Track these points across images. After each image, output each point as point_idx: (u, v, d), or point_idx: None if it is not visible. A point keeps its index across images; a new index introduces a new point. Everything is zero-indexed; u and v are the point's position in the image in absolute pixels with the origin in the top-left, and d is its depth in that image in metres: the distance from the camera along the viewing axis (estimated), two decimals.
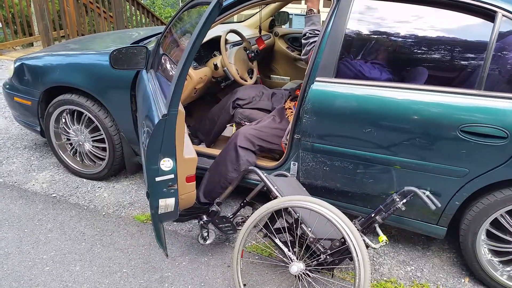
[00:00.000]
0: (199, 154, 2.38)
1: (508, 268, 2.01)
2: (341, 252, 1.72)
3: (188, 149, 1.94)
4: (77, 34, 6.36)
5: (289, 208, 1.77)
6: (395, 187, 2.02)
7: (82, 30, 6.46)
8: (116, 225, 2.46)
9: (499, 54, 1.78)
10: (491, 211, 1.89)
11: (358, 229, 1.74)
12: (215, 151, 2.59)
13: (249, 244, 2.33)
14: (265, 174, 1.98)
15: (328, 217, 1.62)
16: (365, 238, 1.73)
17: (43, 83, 2.76)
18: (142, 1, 8.62)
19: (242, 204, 2.19)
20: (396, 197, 1.77)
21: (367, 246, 1.67)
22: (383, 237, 1.70)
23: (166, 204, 1.82)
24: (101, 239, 2.32)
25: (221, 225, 2.18)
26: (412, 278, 2.14)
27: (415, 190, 1.75)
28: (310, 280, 1.76)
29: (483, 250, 2.01)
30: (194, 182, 1.97)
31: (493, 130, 1.73)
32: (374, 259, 2.27)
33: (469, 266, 2.10)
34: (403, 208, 1.75)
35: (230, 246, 2.32)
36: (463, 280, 2.13)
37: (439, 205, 1.73)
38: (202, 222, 2.17)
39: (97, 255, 2.19)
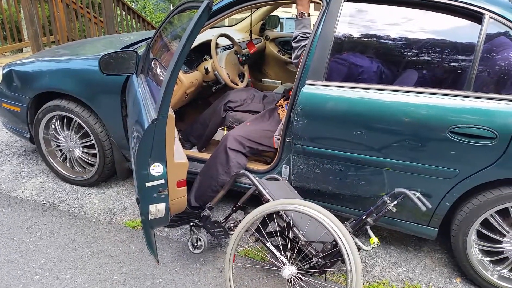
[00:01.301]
0: (190, 158, 2.37)
1: (499, 268, 2.02)
2: (333, 255, 1.72)
3: (178, 154, 1.93)
4: (67, 39, 6.32)
5: (281, 211, 1.76)
6: (386, 189, 2.03)
7: (73, 36, 6.42)
8: (106, 231, 2.44)
9: (487, 55, 1.79)
10: (481, 211, 1.91)
11: (349, 232, 1.74)
12: (206, 155, 2.58)
13: (241, 248, 2.32)
14: (256, 178, 1.98)
15: (320, 220, 1.61)
16: (357, 240, 1.73)
17: (33, 89, 2.73)
18: (133, 6, 8.61)
19: (233, 208, 2.18)
20: (387, 199, 1.77)
21: (359, 249, 1.67)
22: (374, 239, 1.70)
23: (157, 209, 1.80)
24: (92, 246, 2.30)
25: (212, 230, 2.17)
26: (404, 279, 2.15)
27: (405, 191, 1.75)
28: (302, 283, 1.76)
29: (474, 250, 2.02)
30: (185, 187, 1.95)
31: (482, 131, 1.75)
32: (366, 261, 2.27)
33: (461, 266, 2.11)
34: (394, 210, 1.76)
35: (222, 251, 2.30)
36: (454, 281, 2.14)
37: (430, 206, 1.74)
38: (193, 228, 2.15)
39: (88, 263, 2.17)
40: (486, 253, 2.04)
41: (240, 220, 2.29)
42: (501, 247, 1.95)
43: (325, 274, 1.96)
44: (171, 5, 17.38)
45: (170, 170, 1.79)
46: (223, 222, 2.24)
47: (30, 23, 5.64)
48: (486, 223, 1.96)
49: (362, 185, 2.08)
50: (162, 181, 1.75)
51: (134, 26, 7.76)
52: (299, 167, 2.18)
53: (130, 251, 2.27)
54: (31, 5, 5.52)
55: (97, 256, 2.22)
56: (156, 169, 1.73)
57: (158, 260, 1.91)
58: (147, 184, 1.72)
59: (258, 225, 1.88)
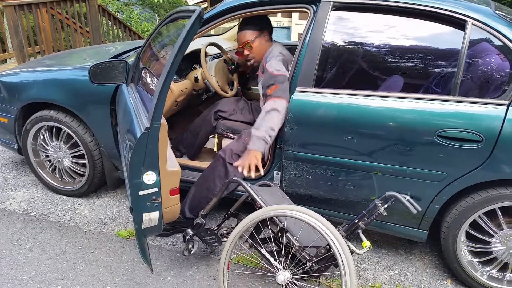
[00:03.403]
0: (182, 166, 2.37)
1: (488, 268, 2.06)
2: (327, 259, 1.74)
3: (171, 162, 1.93)
4: (53, 50, 6.27)
5: (274, 217, 1.78)
6: (377, 193, 2.06)
7: (58, 46, 6.37)
8: (98, 242, 2.42)
9: (471, 61, 1.85)
10: (470, 213, 1.95)
11: (342, 236, 1.76)
12: (198, 163, 2.58)
13: (235, 255, 2.33)
14: (249, 185, 1.99)
15: (313, 224, 1.63)
16: (350, 244, 1.75)
17: (20, 99, 2.71)
18: (118, 16, 8.59)
19: (226, 215, 2.19)
20: (378, 202, 1.80)
21: (352, 252, 1.69)
22: (366, 243, 1.73)
23: (150, 218, 1.80)
24: (83, 257, 2.28)
25: (206, 238, 2.17)
26: (396, 282, 2.17)
27: (396, 195, 1.78)
28: None
29: (464, 252, 2.06)
30: (178, 195, 1.96)
31: (469, 134, 1.80)
32: (359, 264, 2.30)
33: (451, 268, 2.14)
34: (385, 213, 1.78)
35: (216, 258, 2.30)
36: (445, 282, 2.18)
37: (420, 209, 1.77)
38: (188, 237, 2.15)
39: (80, 273, 2.15)
40: (475, 254, 2.08)
41: (232, 227, 2.30)
42: (489, 248, 2.00)
43: (319, 279, 1.97)
44: (157, 15, 17.39)
45: (163, 178, 1.79)
46: (216, 229, 2.24)
47: (14, 33, 5.58)
48: (474, 225, 2.00)
49: (353, 189, 2.11)
50: (155, 189, 1.75)
51: (121, 35, 7.74)
52: (291, 173, 2.21)
53: (122, 261, 2.25)
54: (15, 15, 5.47)
55: (89, 266, 2.20)
56: (149, 177, 1.73)
57: (152, 269, 1.90)
58: (140, 193, 1.72)
59: (252, 231, 1.90)
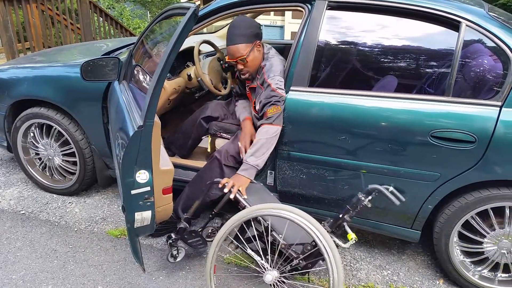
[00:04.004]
0: (175, 165, 2.35)
1: (480, 268, 2.07)
2: (314, 255, 1.73)
3: (164, 161, 1.91)
4: (43, 46, 6.19)
5: (258, 217, 1.76)
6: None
7: (49, 42, 6.29)
8: (89, 241, 2.39)
9: (465, 61, 1.85)
10: (463, 213, 1.96)
11: (327, 231, 1.76)
12: (191, 162, 2.56)
13: (226, 255, 2.31)
14: None
15: (298, 222, 1.63)
16: (335, 238, 1.76)
17: (10, 96, 2.67)
18: (109, 12, 8.51)
19: (211, 216, 2.15)
20: (361, 196, 1.80)
21: (337, 246, 1.69)
22: (352, 235, 1.73)
23: (143, 217, 1.78)
24: (74, 256, 2.25)
25: (190, 241, 2.13)
26: (389, 282, 2.18)
27: (378, 187, 1.78)
28: (286, 286, 1.76)
29: (456, 252, 2.07)
30: (171, 194, 1.94)
31: (462, 135, 1.80)
32: (351, 264, 2.30)
33: (443, 268, 2.15)
34: (369, 205, 1.78)
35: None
36: (438, 282, 2.19)
37: (403, 199, 1.77)
38: (171, 241, 2.10)
39: (70, 273, 2.12)
40: (468, 254, 2.10)
41: (218, 227, 2.27)
42: (481, 248, 2.01)
43: (308, 275, 1.96)
44: (148, 12, 17.28)
45: (156, 177, 1.77)
46: (201, 230, 2.21)
47: (4, 29, 5.50)
48: (467, 225, 2.01)
49: (346, 189, 2.11)
50: (148, 188, 1.73)
51: (112, 32, 7.67)
52: (285, 173, 2.20)
53: (113, 260, 2.23)
54: (5, 11, 5.39)
55: (80, 266, 2.17)
56: (141, 176, 1.71)
57: (144, 268, 1.88)
58: (133, 192, 1.70)
59: (237, 233, 1.88)
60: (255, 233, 1.81)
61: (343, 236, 1.77)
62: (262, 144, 2.03)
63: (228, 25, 2.24)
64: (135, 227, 1.78)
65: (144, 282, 2.09)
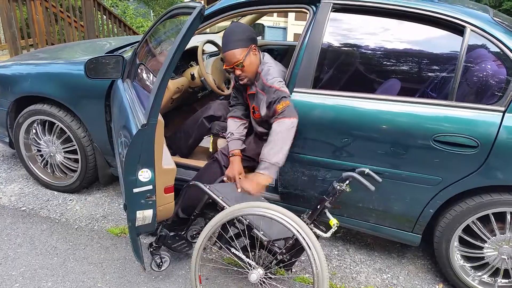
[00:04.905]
0: (176, 164, 2.35)
1: (479, 273, 2.07)
2: (298, 249, 1.74)
3: (167, 160, 1.91)
4: (46, 43, 6.20)
5: (238, 217, 1.76)
6: (372, 195, 2.05)
7: (52, 39, 6.30)
8: (89, 238, 2.39)
9: (469, 66, 1.86)
10: (464, 218, 1.95)
11: (307, 223, 1.76)
12: (193, 162, 2.56)
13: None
14: (207, 186, 1.95)
15: (276, 218, 1.63)
16: (316, 229, 1.76)
17: (13, 92, 2.67)
18: (113, 11, 8.52)
19: (193, 217, 2.12)
20: (336, 184, 1.81)
21: (318, 237, 1.70)
22: (333, 221, 1.74)
23: (144, 216, 1.78)
24: (74, 253, 2.25)
25: (175, 245, 2.10)
26: (389, 285, 2.18)
27: (352, 174, 1.79)
28: (273, 282, 1.76)
29: (456, 257, 2.07)
30: (173, 193, 1.94)
31: (465, 139, 1.80)
32: (351, 267, 2.30)
33: (443, 272, 2.15)
34: (348, 189, 1.79)
35: (207, 258, 2.29)
36: (437, 286, 2.18)
37: (380, 180, 1.77)
38: (151, 249, 2.08)
39: (70, 270, 2.12)
40: (468, 259, 2.09)
41: (202, 226, 2.25)
42: (482, 253, 2.01)
43: (291, 268, 1.93)
44: (152, 11, 17.29)
45: (158, 176, 1.77)
46: (184, 233, 2.18)
47: (7, 25, 5.51)
48: (468, 230, 2.01)
49: (348, 192, 2.10)
50: (150, 187, 1.74)
51: (115, 30, 7.68)
52: (286, 174, 2.20)
53: (113, 258, 2.23)
54: (9, 7, 5.40)
55: (80, 263, 2.17)
56: (144, 174, 1.71)
57: (145, 267, 1.88)
58: (135, 190, 1.70)
59: (221, 231, 1.86)
60: (239, 230, 1.80)
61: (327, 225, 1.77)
62: (278, 139, 1.91)
63: (223, 33, 2.19)
64: (136, 225, 1.78)
65: (144, 280, 2.08)
